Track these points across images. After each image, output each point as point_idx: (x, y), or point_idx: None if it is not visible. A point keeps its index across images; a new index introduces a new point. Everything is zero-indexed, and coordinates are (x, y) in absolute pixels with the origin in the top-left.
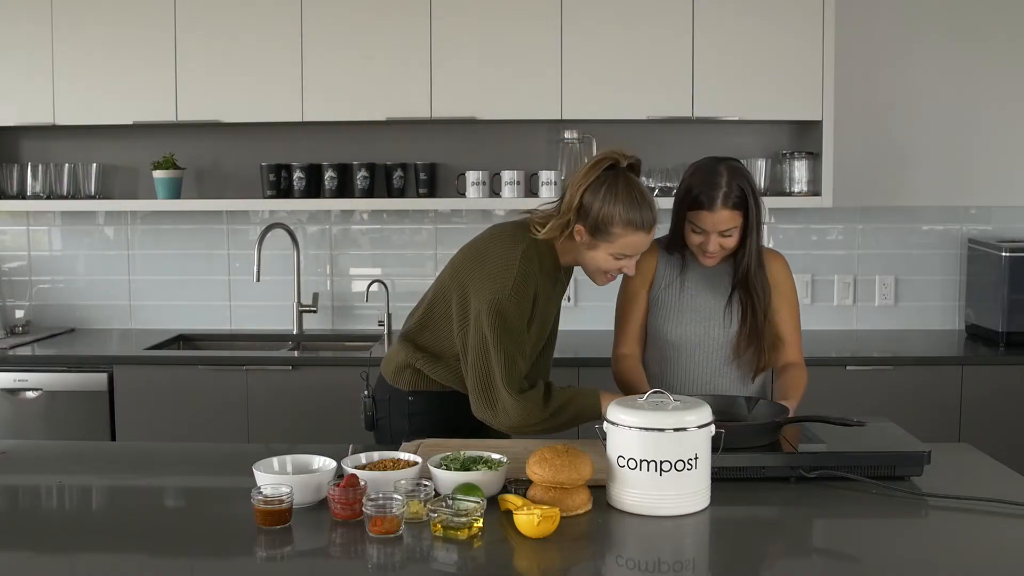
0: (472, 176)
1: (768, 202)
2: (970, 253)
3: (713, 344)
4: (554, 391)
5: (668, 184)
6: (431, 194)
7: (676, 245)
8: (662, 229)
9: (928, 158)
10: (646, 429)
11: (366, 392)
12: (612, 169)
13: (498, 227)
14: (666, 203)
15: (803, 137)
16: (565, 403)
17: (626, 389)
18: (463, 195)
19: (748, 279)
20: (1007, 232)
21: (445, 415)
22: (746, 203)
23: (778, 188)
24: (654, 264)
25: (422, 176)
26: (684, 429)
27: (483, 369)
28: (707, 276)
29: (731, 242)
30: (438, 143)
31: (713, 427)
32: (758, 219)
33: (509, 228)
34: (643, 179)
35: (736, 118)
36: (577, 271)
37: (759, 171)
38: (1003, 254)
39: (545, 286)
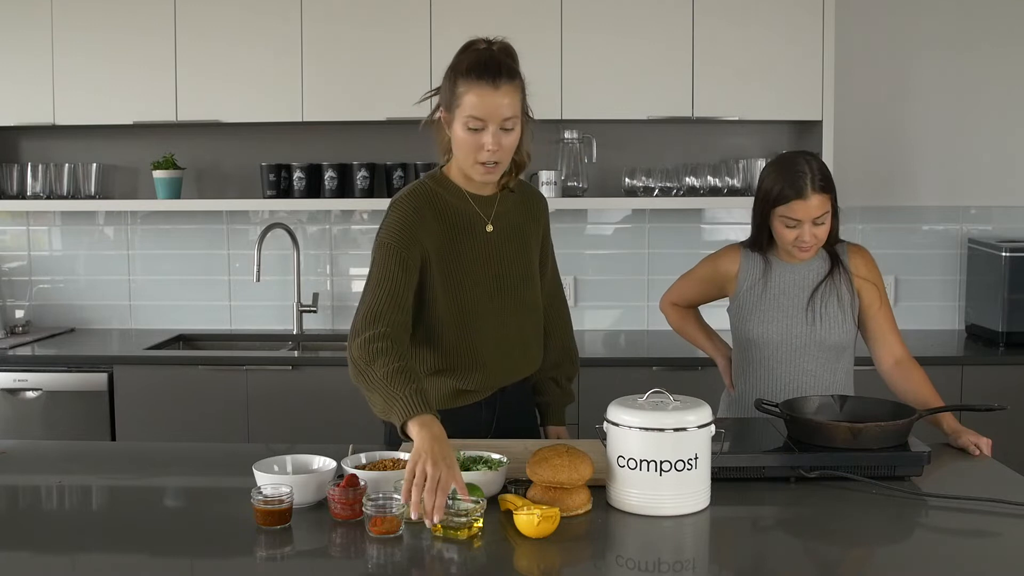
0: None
1: None
2: (970, 253)
3: (796, 342)
4: (390, 369)
5: (668, 184)
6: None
7: (760, 245)
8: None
9: (928, 158)
10: (646, 429)
11: None
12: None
13: None
14: (667, 203)
15: (803, 137)
16: (377, 386)
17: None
18: None
19: (838, 260)
20: (1007, 232)
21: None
22: (832, 186)
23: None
24: (735, 268)
25: (422, 176)
26: (684, 429)
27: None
28: (790, 275)
29: (824, 230)
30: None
31: (713, 427)
32: (836, 204)
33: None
34: (644, 179)
35: (736, 118)
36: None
37: (758, 171)
38: (1003, 254)
39: (450, 223)
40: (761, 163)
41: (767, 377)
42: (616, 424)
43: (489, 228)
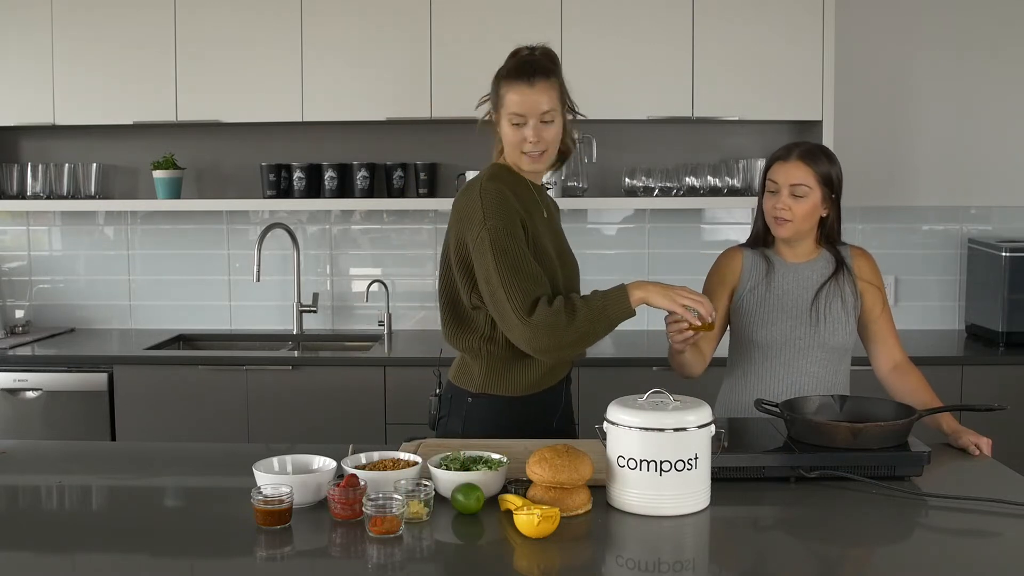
0: (471, 175)
1: None
2: (970, 253)
3: (799, 344)
4: (577, 305)
5: (668, 184)
6: (431, 194)
7: (759, 240)
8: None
9: (928, 158)
10: (646, 429)
11: (436, 391)
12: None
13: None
14: (667, 203)
15: (803, 137)
16: (591, 315)
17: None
18: None
19: (842, 262)
20: (1007, 232)
21: (504, 424)
22: (823, 167)
23: None
24: (738, 268)
25: (422, 176)
26: (684, 429)
27: (496, 305)
28: (793, 275)
29: (803, 209)
30: (438, 143)
31: (713, 427)
32: (838, 192)
33: (470, 180)
34: (644, 179)
35: (736, 118)
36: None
37: (758, 171)
38: (1003, 254)
39: (524, 207)
40: (761, 163)
41: (768, 378)
42: (616, 424)
43: (544, 212)
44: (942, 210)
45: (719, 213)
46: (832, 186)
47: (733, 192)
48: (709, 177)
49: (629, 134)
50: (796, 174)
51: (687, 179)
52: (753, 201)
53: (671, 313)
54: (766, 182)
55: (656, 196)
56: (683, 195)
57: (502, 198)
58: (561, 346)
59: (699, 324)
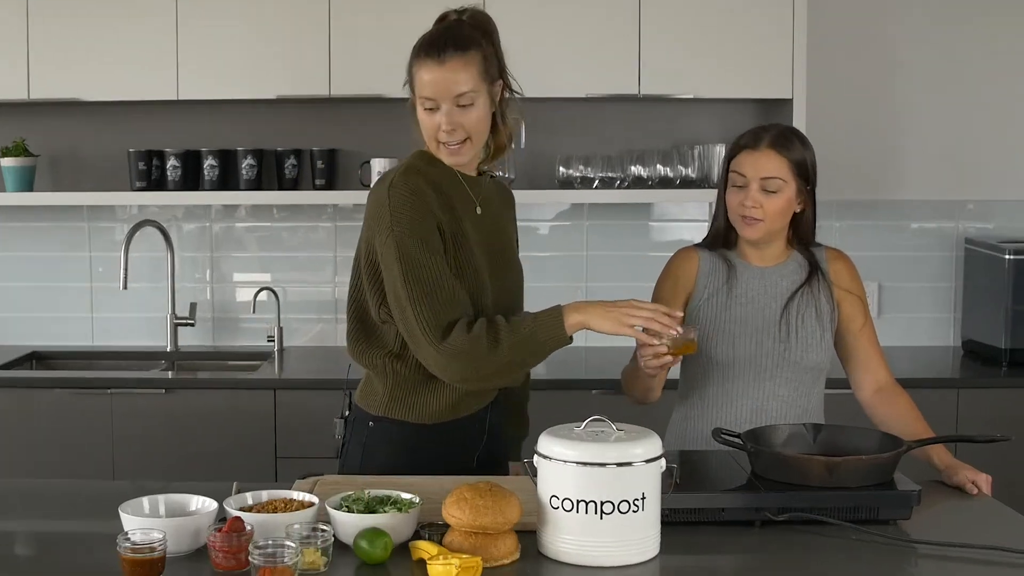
0: (379, 164)
1: None
2: (967, 255)
3: (766, 362)
4: (500, 330)
5: (610, 174)
6: (330, 186)
7: (719, 239)
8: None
9: (917, 143)
10: (584, 464)
11: (344, 412)
12: None
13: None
14: (609, 196)
15: (770, 119)
16: (517, 343)
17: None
18: (368, 187)
19: (817, 267)
20: (1011, 231)
21: (412, 455)
22: (797, 155)
23: None
24: (693, 271)
25: (319, 165)
26: (629, 464)
27: (406, 324)
28: (759, 281)
29: (775, 205)
30: (339, 126)
31: (664, 461)
32: (814, 183)
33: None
34: (582, 168)
35: (690, 96)
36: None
37: (717, 159)
38: (1006, 257)
39: (448, 204)
40: (720, 149)
41: (729, 403)
42: (548, 458)
43: (478, 210)
44: (934, 205)
45: (670, 208)
46: (807, 176)
47: (687, 183)
48: (659, 166)
49: (565, 115)
50: (768, 165)
51: (632, 168)
52: (711, 194)
53: (645, 330)
54: (729, 174)
55: (596, 188)
56: (628, 187)
57: (415, 197)
58: (480, 377)
59: (680, 347)
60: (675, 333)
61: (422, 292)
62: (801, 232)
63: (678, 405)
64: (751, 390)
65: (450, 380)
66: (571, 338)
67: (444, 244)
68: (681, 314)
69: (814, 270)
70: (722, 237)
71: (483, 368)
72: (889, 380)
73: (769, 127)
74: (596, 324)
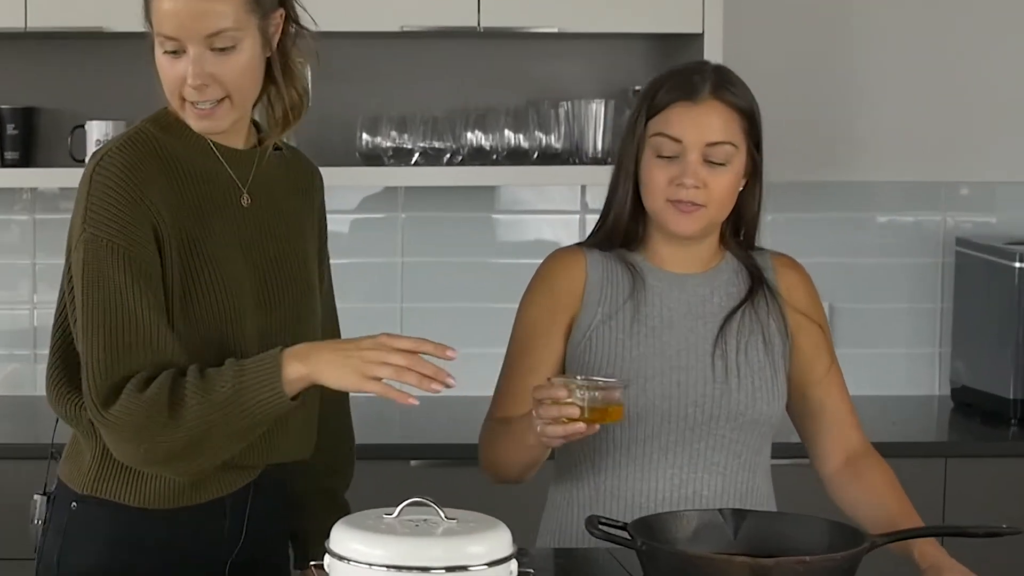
0: (97, 130)
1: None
2: (959, 263)
3: (693, 413)
4: (187, 392)
5: (437, 144)
6: (26, 161)
7: (616, 235)
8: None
9: (886, 101)
10: (398, 568)
11: (44, 488)
12: None
13: None
14: (435, 177)
15: (668, 62)
16: (210, 409)
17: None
18: (82, 162)
19: (761, 277)
20: (1018, 226)
21: (131, 553)
22: (750, 110)
23: None
24: (578, 283)
25: (10, 130)
26: (464, 569)
27: (82, 370)
28: (678, 293)
29: (722, 184)
30: (39, 74)
31: (514, 565)
32: (759, 160)
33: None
34: (394, 135)
35: (554, 29)
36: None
37: (595, 119)
38: (1016, 265)
39: (189, 192)
40: (598, 107)
41: (636, 477)
42: (345, 559)
43: (245, 200)
44: (909, 189)
45: (524, 195)
46: (758, 137)
47: (548, 157)
48: (507, 132)
49: (371, 58)
50: (714, 124)
51: (469, 136)
52: (586, 172)
53: (547, 383)
54: (651, 139)
55: (416, 165)
56: (462, 163)
57: (124, 181)
58: (165, 460)
59: (597, 412)
60: (441, 388)
61: (100, 326)
62: (742, 222)
63: (557, 480)
64: (670, 456)
65: (126, 461)
66: (290, 398)
67: (167, 253)
68: (453, 354)
69: (758, 279)
70: (620, 233)
71: (163, 447)
72: (863, 445)
73: (699, 67)
74: (326, 377)
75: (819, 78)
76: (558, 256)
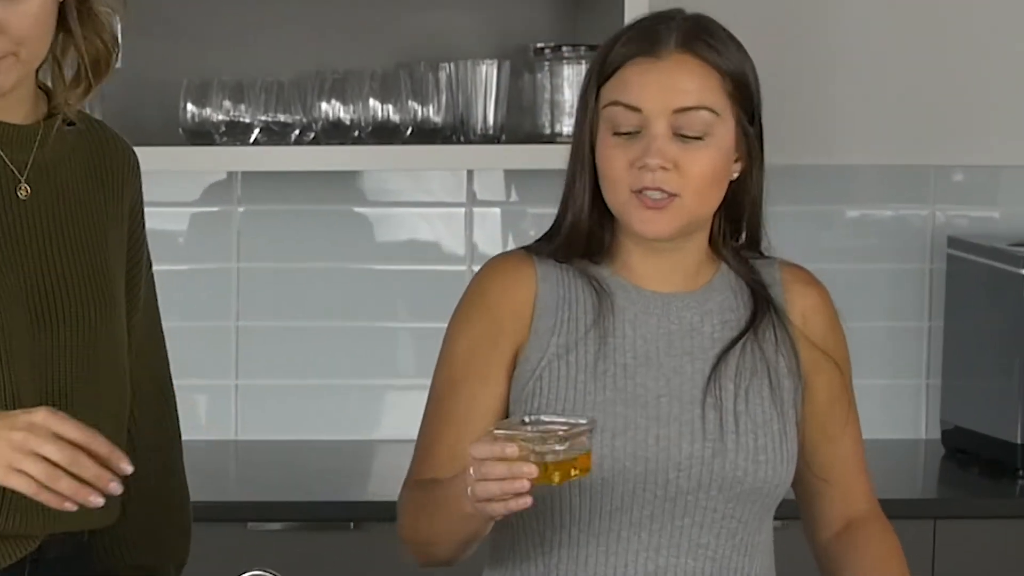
0: None
1: (509, 154)
2: (951, 268)
3: (677, 481)
4: None
5: (283, 117)
6: None
7: (577, 242)
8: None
9: (864, 71)
10: None
11: None
12: None
13: None
14: (282, 160)
15: (588, 13)
16: None
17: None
18: None
19: (766, 297)
20: (1021, 222)
21: None
22: (733, 60)
23: (532, 126)
24: (526, 303)
25: None
26: None
27: None
28: (659, 320)
29: (700, 163)
30: None
31: None
32: (759, 120)
33: None
34: (228, 106)
35: None
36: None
37: (485, 85)
38: (1022, 271)
39: None
40: (489, 70)
41: (591, 560)
42: None
43: (23, 191)
44: (892, 175)
45: (397, 181)
46: (752, 106)
47: (426, 134)
48: (373, 102)
49: (198, 8)
50: (682, 85)
51: (323, 106)
52: (475, 153)
53: (488, 436)
54: (604, 111)
55: (256, 143)
56: (315, 141)
57: None
58: None
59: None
60: (101, 501)
61: None
62: (741, 223)
63: (494, 562)
64: (644, 535)
65: None
66: None
67: None
68: (129, 468)
69: (762, 301)
70: (582, 239)
71: None
72: (869, 510)
73: (668, 14)
74: None
75: (788, 44)
76: (499, 265)
